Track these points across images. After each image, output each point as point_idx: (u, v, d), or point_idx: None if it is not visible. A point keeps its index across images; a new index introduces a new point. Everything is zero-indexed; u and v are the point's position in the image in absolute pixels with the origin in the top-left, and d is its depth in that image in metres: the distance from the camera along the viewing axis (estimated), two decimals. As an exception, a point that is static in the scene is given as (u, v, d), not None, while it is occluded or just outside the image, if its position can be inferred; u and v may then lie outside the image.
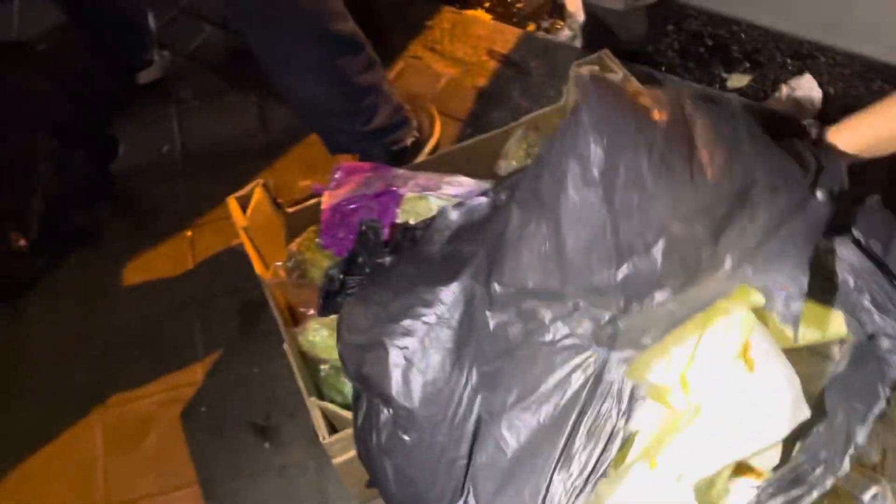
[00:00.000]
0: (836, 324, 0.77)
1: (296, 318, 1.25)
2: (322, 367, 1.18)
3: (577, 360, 0.67)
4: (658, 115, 0.70)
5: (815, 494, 0.72)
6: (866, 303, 0.74)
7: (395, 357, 0.77)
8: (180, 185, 1.74)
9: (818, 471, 0.72)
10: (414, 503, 0.79)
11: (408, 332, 0.78)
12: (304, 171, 1.71)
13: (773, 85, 1.79)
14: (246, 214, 1.23)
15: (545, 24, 2.00)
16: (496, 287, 0.73)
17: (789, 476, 0.73)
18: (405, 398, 0.77)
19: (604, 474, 0.65)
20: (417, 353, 0.77)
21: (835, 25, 1.29)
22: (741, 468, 0.77)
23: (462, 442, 0.74)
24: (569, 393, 0.66)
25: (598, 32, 1.79)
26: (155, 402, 1.41)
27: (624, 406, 0.65)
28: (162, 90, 1.93)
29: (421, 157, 1.57)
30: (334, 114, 1.44)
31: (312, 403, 1.01)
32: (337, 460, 1.03)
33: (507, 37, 1.90)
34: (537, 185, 0.72)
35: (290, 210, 1.33)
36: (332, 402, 1.13)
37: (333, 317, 1.17)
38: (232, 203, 1.23)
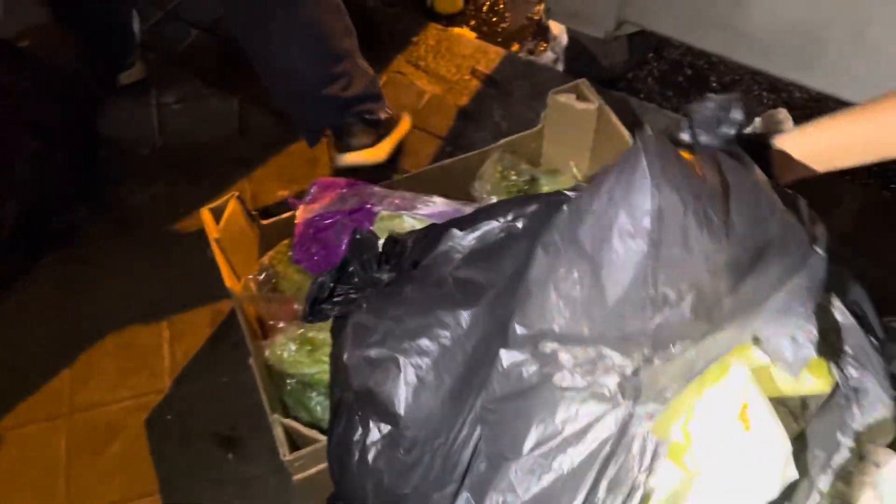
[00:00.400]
0: (825, 376, 0.78)
1: (265, 331, 1.26)
2: (288, 381, 1.19)
3: (601, 411, 0.67)
4: (700, 171, 0.72)
5: None
6: (848, 359, 0.76)
7: (409, 375, 0.78)
8: (159, 189, 1.74)
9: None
10: None
11: (423, 352, 0.79)
12: (282, 181, 1.71)
13: (749, 117, 1.82)
14: (219, 225, 1.24)
15: (529, 45, 2.02)
16: (517, 328, 0.73)
17: None
18: (412, 418, 0.78)
19: None
20: (431, 374, 0.78)
21: (808, 66, 1.32)
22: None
23: (457, 468, 0.75)
24: (592, 444, 0.67)
25: (579, 57, 1.82)
26: (122, 408, 1.41)
27: (647, 462, 0.66)
28: (144, 93, 1.93)
29: (388, 147, 1.62)
30: (312, 82, 1.46)
31: (275, 420, 1.02)
32: (297, 477, 1.04)
33: (490, 56, 1.92)
34: (574, 231, 0.72)
35: (265, 222, 1.34)
36: (296, 417, 1.14)
37: (301, 331, 1.19)
38: (205, 214, 1.24)
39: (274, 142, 1.78)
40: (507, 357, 0.72)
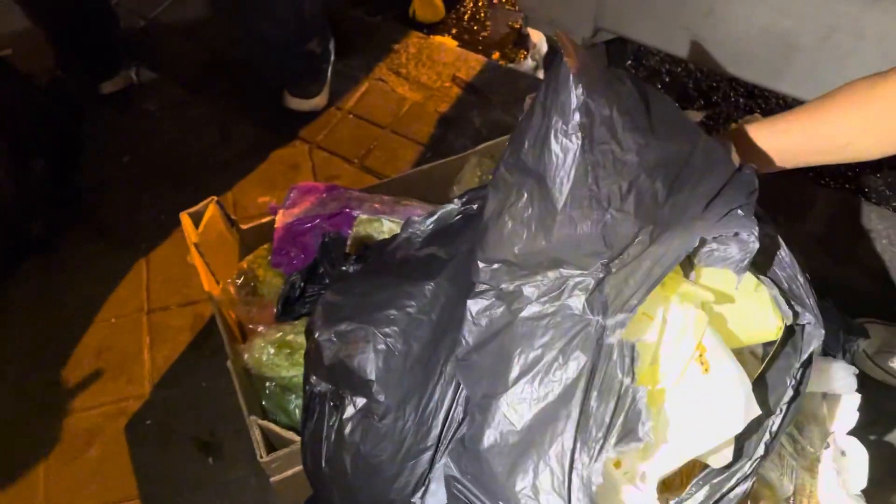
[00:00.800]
0: (775, 316, 0.81)
1: (245, 335, 1.27)
2: (268, 384, 1.19)
3: (575, 330, 0.70)
4: (619, 86, 0.76)
5: (734, 479, 0.77)
6: (786, 292, 0.79)
7: (378, 343, 0.82)
8: (140, 196, 1.74)
9: (740, 459, 0.78)
10: (373, 494, 0.81)
11: (391, 321, 0.82)
12: (263, 188, 1.72)
13: (726, 122, 1.85)
14: (198, 230, 1.24)
15: (509, 53, 2.04)
16: (479, 264, 0.76)
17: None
18: (384, 384, 0.81)
19: (622, 429, 0.68)
20: (399, 342, 0.81)
21: (779, 73, 1.34)
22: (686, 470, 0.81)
23: (431, 432, 0.77)
24: (574, 361, 0.69)
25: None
26: (101, 413, 1.41)
27: (627, 364, 0.69)
28: (126, 101, 1.94)
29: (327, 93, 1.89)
30: (296, 39, 1.73)
31: (252, 422, 1.03)
32: (275, 478, 1.04)
33: (471, 64, 1.94)
34: (517, 156, 0.76)
35: (244, 227, 1.34)
36: (275, 421, 1.14)
37: (279, 335, 1.20)
38: (185, 219, 1.24)
39: (255, 149, 1.80)
40: (474, 306, 0.74)
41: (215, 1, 2.01)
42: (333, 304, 0.90)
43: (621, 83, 0.77)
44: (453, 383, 0.79)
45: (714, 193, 0.74)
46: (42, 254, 1.65)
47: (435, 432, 0.78)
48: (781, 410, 0.78)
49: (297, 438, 1.03)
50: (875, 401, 0.94)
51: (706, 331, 0.75)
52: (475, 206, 0.90)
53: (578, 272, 0.70)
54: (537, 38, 1.96)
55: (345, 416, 0.83)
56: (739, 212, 0.73)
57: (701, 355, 0.76)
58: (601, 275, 0.70)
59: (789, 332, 0.79)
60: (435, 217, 0.94)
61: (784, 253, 0.79)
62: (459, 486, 0.74)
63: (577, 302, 0.70)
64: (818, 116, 0.84)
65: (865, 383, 0.90)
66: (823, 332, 0.77)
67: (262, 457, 1.00)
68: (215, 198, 1.27)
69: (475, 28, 2.12)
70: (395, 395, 0.80)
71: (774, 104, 1.87)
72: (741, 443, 0.79)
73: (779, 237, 0.79)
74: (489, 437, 0.71)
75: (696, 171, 0.75)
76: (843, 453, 0.86)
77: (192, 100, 1.93)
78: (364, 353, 0.82)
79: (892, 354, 1.31)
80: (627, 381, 0.68)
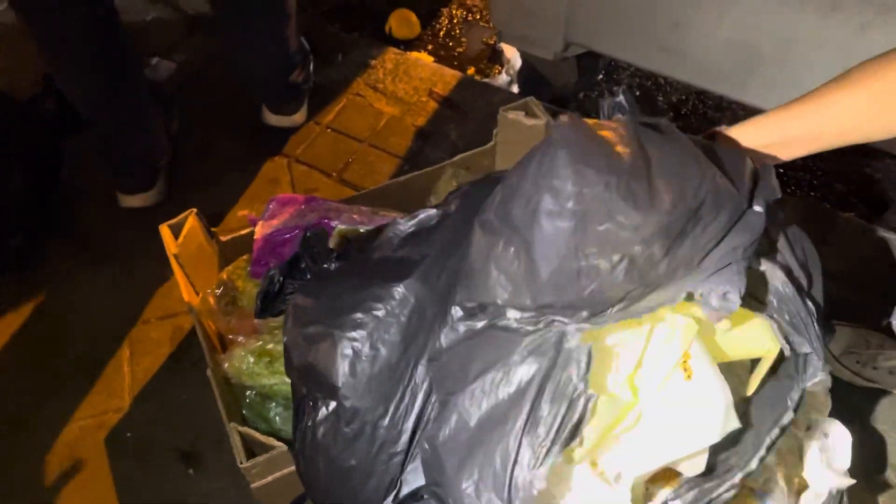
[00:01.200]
0: (769, 339, 0.83)
1: (225, 346, 1.28)
2: (248, 393, 1.21)
3: (538, 336, 0.72)
4: (621, 150, 0.74)
5: (723, 487, 0.78)
6: (785, 324, 0.79)
7: (345, 348, 0.81)
8: (119, 210, 1.75)
9: (732, 470, 0.79)
10: (346, 496, 0.82)
11: (358, 325, 0.82)
12: (243, 202, 1.74)
13: (695, 135, 1.89)
14: (178, 241, 1.26)
15: (484, 68, 2.08)
16: (466, 304, 0.76)
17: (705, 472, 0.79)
18: (351, 389, 0.80)
19: (570, 434, 0.69)
20: (366, 346, 0.81)
21: (743, 84, 1.39)
22: (662, 476, 0.82)
23: (401, 438, 0.78)
24: (533, 364, 0.71)
25: (532, 79, 1.89)
26: (80, 426, 1.41)
27: (583, 369, 0.70)
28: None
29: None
30: (282, 72, 1.79)
31: (232, 428, 1.04)
32: (255, 485, 1.05)
33: (447, 79, 1.97)
34: (507, 211, 0.75)
35: (224, 239, 1.36)
36: (256, 429, 1.15)
37: (259, 344, 1.21)
38: (164, 230, 1.26)
39: (235, 163, 1.81)
40: (456, 312, 0.76)
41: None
42: (302, 307, 0.90)
43: (614, 152, 0.74)
44: (424, 386, 0.80)
45: (718, 239, 0.74)
46: (21, 268, 1.65)
47: (406, 436, 0.79)
48: (780, 430, 0.80)
49: (278, 444, 1.04)
50: (843, 399, 0.97)
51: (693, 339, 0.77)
52: (452, 207, 0.91)
53: (561, 317, 0.72)
54: (511, 53, 2.00)
55: (317, 419, 0.84)
56: (733, 267, 0.73)
57: (685, 361, 0.77)
58: (580, 322, 0.72)
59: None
60: (416, 220, 0.94)
61: (787, 289, 0.79)
62: (426, 488, 0.76)
63: (554, 332, 0.72)
64: (829, 99, 0.83)
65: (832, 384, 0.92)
66: (823, 363, 0.79)
67: (241, 462, 1.01)
68: (195, 210, 1.29)
69: (451, 44, 2.16)
70: (362, 399, 0.80)
71: (742, 115, 1.92)
72: (731, 453, 0.80)
73: (779, 269, 0.79)
74: (444, 433, 0.73)
75: (701, 222, 0.74)
76: (825, 435, 0.89)
77: (172, 115, 1.94)
78: (330, 357, 0.82)
79: (857, 355, 1.35)
80: (581, 386, 0.69)
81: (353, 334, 0.82)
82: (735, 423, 0.76)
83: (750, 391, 0.85)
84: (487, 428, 0.70)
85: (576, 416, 0.69)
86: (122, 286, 1.61)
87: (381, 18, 2.19)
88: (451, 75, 1.99)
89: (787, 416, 0.80)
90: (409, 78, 1.98)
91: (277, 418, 1.19)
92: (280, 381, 1.18)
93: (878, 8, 1.18)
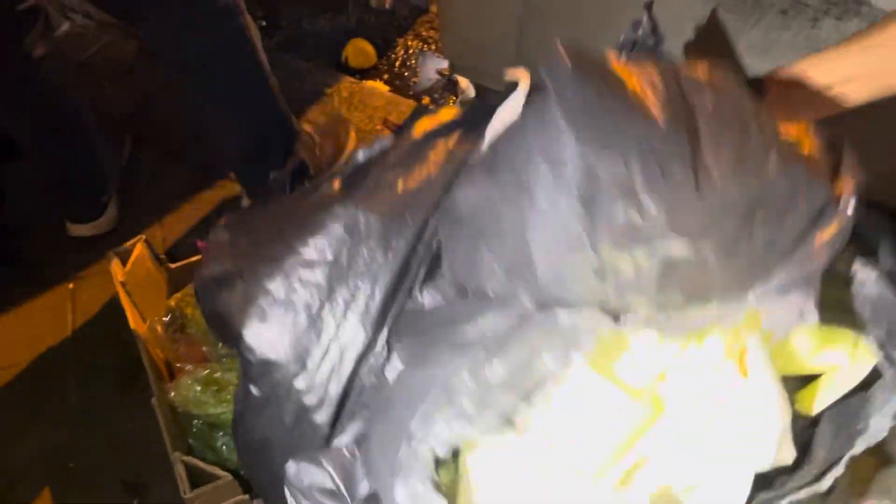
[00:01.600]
0: (840, 353, 0.69)
1: (173, 374, 1.27)
2: (195, 422, 1.20)
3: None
4: (653, 105, 0.53)
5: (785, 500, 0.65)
6: (882, 335, 0.64)
7: (252, 288, 0.68)
8: (66, 237, 1.72)
9: (800, 481, 0.66)
10: (268, 474, 0.68)
11: (272, 261, 0.69)
12: (195, 229, 1.73)
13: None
14: (126, 269, 1.25)
15: (438, 98, 2.12)
16: (446, 286, 0.64)
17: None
18: (257, 340, 0.67)
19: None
20: (281, 290, 0.67)
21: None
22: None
23: (325, 403, 0.64)
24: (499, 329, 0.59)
25: (486, 109, 1.92)
26: (23, 458, 1.37)
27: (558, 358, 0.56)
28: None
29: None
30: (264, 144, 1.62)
31: (176, 458, 1.03)
32: (200, 515, 1.04)
33: (402, 108, 2.00)
34: (492, 188, 0.60)
35: (173, 266, 1.35)
36: (203, 458, 1.15)
37: (208, 371, 1.21)
38: (111, 257, 1.25)
39: (186, 190, 1.80)
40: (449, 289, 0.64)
41: None
42: (216, 243, 0.78)
43: (637, 109, 0.53)
44: (358, 342, 0.64)
45: (794, 237, 0.56)
46: (-37, 296, 1.61)
47: (331, 403, 0.64)
48: (857, 446, 0.64)
49: (223, 474, 1.04)
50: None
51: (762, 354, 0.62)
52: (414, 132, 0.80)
53: (566, 313, 0.56)
54: (465, 83, 2.04)
55: (240, 402, 0.71)
56: (810, 275, 0.56)
57: (741, 356, 0.62)
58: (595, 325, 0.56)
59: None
60: (367, 150, 0.83)
61: (887, 296, 0.63)
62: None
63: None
64: (882, 34, 0.68)
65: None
66: None
67: (185, 493, 1.00)
68: (143, 237, 1.28)
69: (406, 74, 2.19)
70: (271, 355, 0.66)
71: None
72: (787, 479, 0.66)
73: (873, 271, 0.64)
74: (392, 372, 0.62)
75: (770, 221, 0.54)
76: None
77: (122, 140, 1.93)
78: (237, 305, 0.68)
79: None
80: (552, 366, 0.56)
81: (266, 270, 0.67)
82: (791, 455, 0.61)
83: (815, 410, 0.71)
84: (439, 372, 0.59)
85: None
86: (68, 315, 1.58)
87: (335, 48, 2.21)
88: (405, 104, 2.01)
89: (873, 438, 0.64)
90: (364, 106, 2.01)
91: (224, 447, 1.18)
92: (227, 410, 1.17)
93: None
